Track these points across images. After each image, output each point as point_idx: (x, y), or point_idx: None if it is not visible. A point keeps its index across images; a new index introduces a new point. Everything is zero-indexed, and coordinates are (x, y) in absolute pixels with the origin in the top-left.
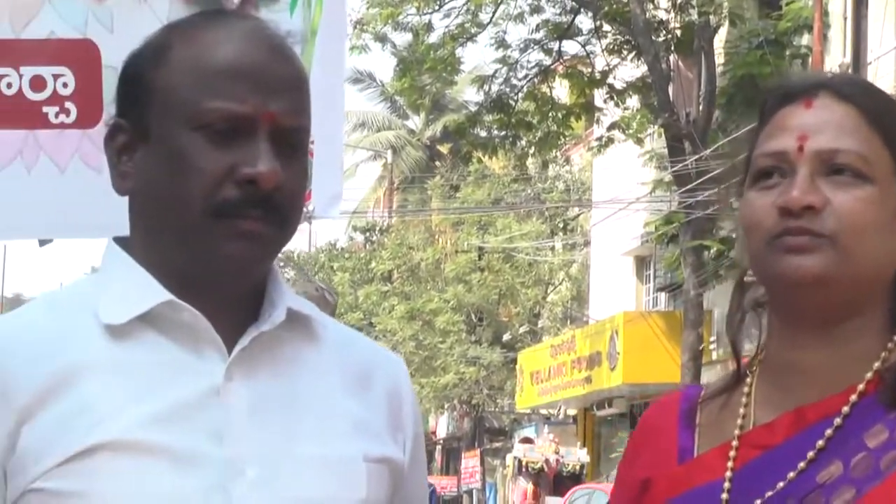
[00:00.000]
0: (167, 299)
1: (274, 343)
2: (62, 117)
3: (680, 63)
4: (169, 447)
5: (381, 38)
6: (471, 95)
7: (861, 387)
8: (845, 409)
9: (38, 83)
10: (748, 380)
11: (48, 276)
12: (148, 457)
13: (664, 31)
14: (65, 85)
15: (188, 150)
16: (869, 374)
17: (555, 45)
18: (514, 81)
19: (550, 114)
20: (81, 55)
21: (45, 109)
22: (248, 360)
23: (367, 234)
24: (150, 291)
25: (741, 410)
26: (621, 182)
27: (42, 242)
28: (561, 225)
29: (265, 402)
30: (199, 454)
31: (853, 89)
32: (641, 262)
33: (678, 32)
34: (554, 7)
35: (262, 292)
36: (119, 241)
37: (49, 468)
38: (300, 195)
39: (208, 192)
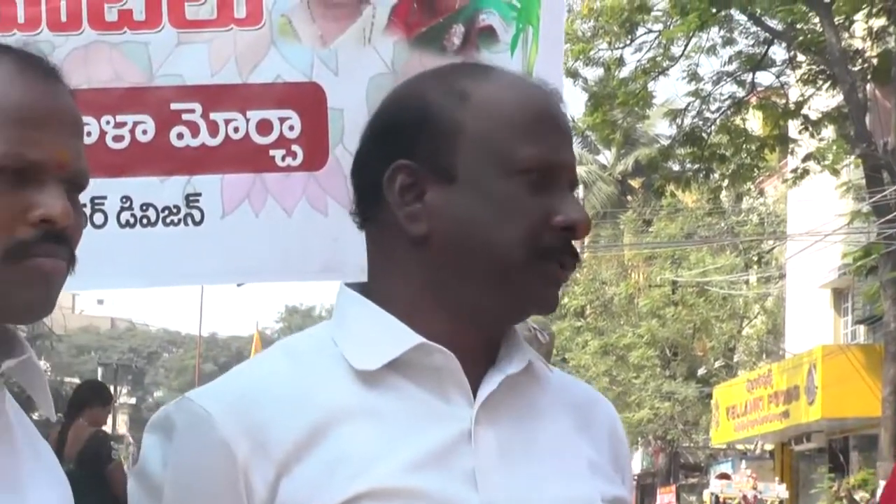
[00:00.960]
0: (419, 342)
1: (512, 387)
2: (289, 160)
3: (877, 92)
4: (428, 493)
5: (573, 74)
6: (663, 129)
7: None
8: None
9: (264, 127)
10: None
11: (242, 317)
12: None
13: (860, 60)
14: (291, 128)
15: (509, 195)
16: None
17: (748, 77)
18: (707, 114)
19: (744, 146)
20: (307, 98)
21: (271, 153)
22: (491, 404)
23: None
24: (401, 336)
25: None
26: (817, 213)
27: (240, 283)
28: (755, 258)
29: (510, 446)
30: (457, 500)
31: None
32: (839, 295)
33: (875, 61)
34: (747, 38)
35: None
36: (351, 286)
37: None
38: None
39: (531, 237)
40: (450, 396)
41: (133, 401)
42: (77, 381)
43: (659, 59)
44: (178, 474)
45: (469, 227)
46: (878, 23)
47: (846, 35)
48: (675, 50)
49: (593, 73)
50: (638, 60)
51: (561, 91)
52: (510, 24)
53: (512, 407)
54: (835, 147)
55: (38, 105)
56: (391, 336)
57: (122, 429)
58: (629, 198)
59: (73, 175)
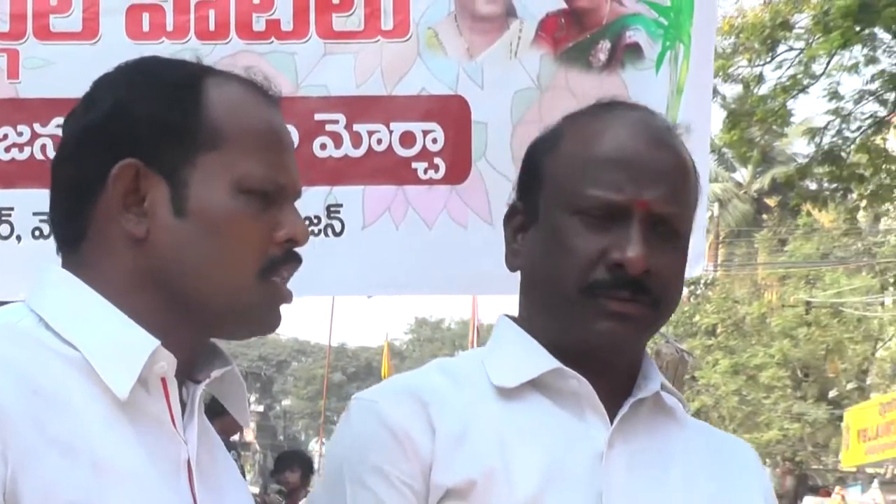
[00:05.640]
0: (555, 367)
1: (647, 416)
2: (431, 173)
3: None
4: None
5: (712, 91)
6: (800, 148)
7: None
8: None
9: (407, 139)
10: None
11: (371, 328)
12: None
13: None
14: (434, 141)
15: (567, 232)
16: None
17: (890, 96)
18: (847, 133)
19: (884, 166)
20: (452, 111)
21: (414, 165)
22: (625, 428)
23: (692, 287)
24: (539, 359)
25: None
26: None
27: (370, 295)
28: (892, 280)
29: (640, 472)
30: None
31: None
32: None
33: None
34: (890, 57)
35: (636, 369)
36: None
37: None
38: (674, 277)
39: (582, 272)
40: (587, 418)
41: (261, 409)
42: None
43: (800, 76)
44: (353, 443)
45: (536, 264)
46: None
47: None
48: (816, 68)
49: (732, 90)
50: (778, 78)
51: (705, 110)
52: (656, 41)
53: (646, 434)
54: None
55: (279, 130)
56: (531, 359)
57: (250, 436)
58: (764, 216)
59: (298, 194)
